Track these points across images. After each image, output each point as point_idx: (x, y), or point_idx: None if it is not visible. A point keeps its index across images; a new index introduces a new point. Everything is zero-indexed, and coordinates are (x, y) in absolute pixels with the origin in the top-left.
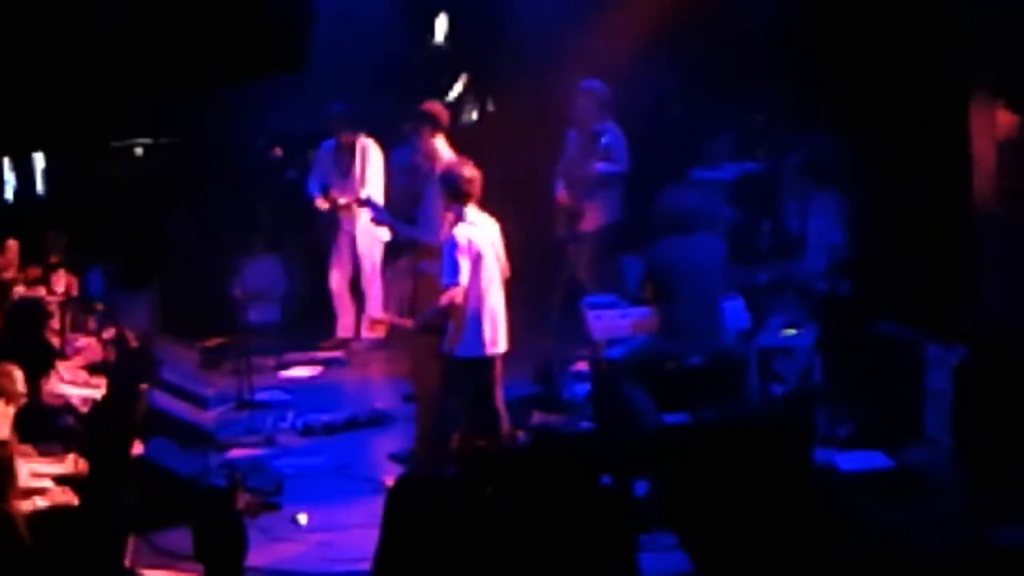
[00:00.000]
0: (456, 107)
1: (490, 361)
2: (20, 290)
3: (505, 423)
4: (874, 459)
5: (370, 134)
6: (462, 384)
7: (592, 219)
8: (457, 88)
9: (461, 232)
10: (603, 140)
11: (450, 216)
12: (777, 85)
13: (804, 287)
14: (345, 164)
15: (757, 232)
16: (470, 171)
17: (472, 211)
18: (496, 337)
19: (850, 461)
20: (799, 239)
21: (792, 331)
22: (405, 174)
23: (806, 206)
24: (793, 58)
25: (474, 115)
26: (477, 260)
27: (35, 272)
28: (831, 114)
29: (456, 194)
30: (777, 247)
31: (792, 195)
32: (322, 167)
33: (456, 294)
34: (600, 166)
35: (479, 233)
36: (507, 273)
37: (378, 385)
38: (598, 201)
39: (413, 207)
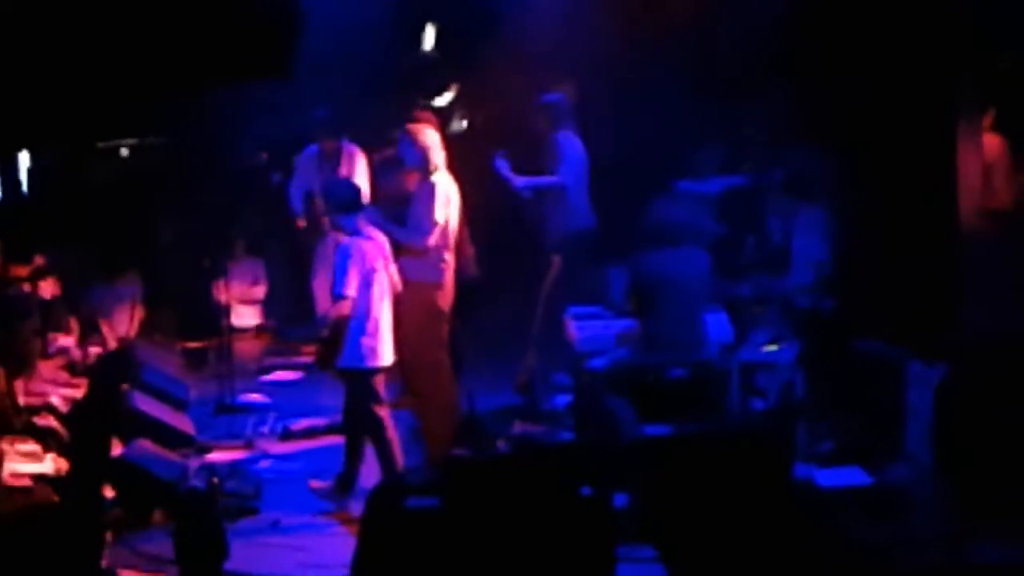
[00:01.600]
0: (445, 115)
1: (374, 372)
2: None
3: (391, 431)
4: (854, 475)
5: (354, 140)
6: (356, 394)
7: (546, 231)
8: (446, 96)
9: (353, 244)
10: (496, 160)
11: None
12: (764, 98)
13: (787, 302)
14: (329, 170)
15: (741, 246)
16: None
17: (363, 223)
18: (380, 349)
19: (830, 477)
20: (783, 254)
21: (774, 346)
22: (391, 179)
23: (790, 221)
24: (781, 72)
25: (463, 124)
26: (369, 273)
27: (19, 271)
28: (817, 129)
29: (346, 205)
30: (761, 261)
31: (776, 210)
32: (305, 172)
33: (345, 306)
34: (518, 181)
35: (371, 246)
36: (397, 287)
37: None
38: (547, 213)
39: (397, 212)
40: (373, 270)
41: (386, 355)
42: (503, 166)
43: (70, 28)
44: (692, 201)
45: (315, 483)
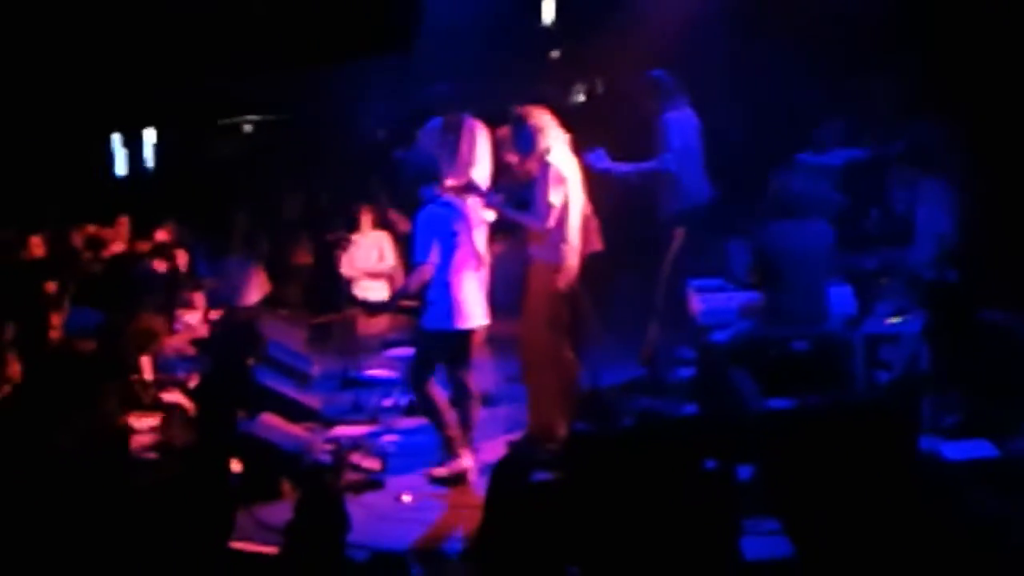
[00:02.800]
0: (564, 88)
1: (459, 334)
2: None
3: (473, 399)
4: (980, 448)
5: (476, 113)
6: (431, 356)
7: (658, 209)
8: (565, 69)
9: (430, 211)
10: (589, 156)
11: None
12: (886, 70)
13: (912, 274)
14: (450, 144)
15: (865, 218)
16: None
17: (446, 190)
18: (463, 311)
19: (956, 450)
20: (907, 226)
21: (899, 318)
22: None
23: (914, 193)
24: (905, 43)
25: (581, 96)
26: (449, 238)
27: (144, 247)
28: (941, 100)
29: (426, 176)
30: (885, 234)
31: (900, 182)
32: (427, 146)
33: (425, 273)
34: (619, 168)
35: (450, 212)
36: (482, 255)
37: (483, 365)
38: (657, 192)
39: (519, 188)
40: (453, 234)
41: (468, 318)
42: (598, 158)
43: (191, 7)
44: (814, 173)
45: (435, 470)
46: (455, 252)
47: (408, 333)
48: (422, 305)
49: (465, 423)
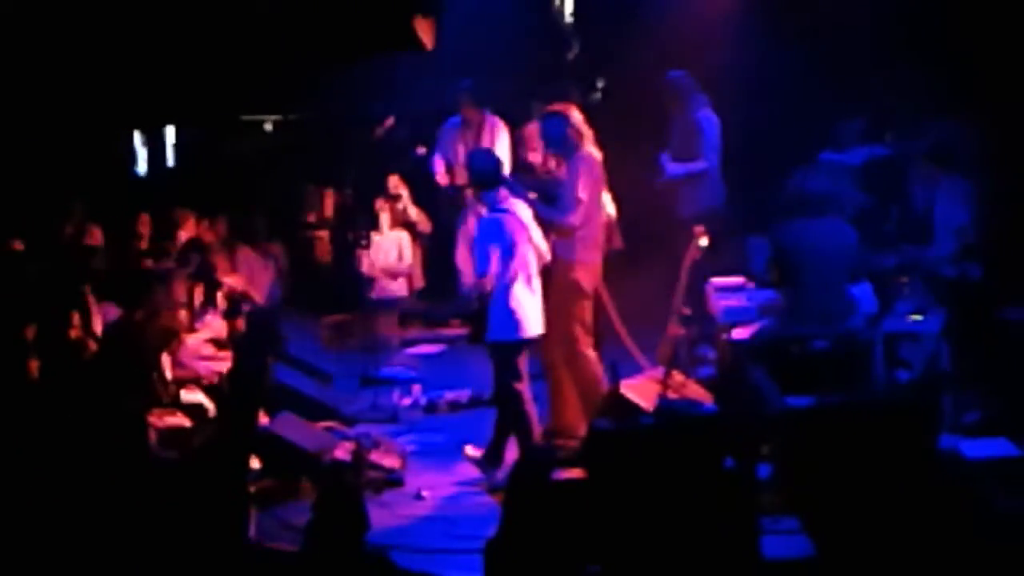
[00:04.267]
0: (583, 88)
1: (519, 344)
2: (149, 263)
3: (529, 404)
4: (1000, 447)
5: (496, 111)
6: (502, 366)
7: (678, 207)
8: (584, 69)
9: (492, 220)
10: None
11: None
12: (907, 68)
13: (932, 272)
14: (471, 141)
15: (885, 216)
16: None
17: (506, 196)
18: (524, 321)
19: (976, 448)
20: (927, 224)
21: (919, 316)
22: (532, 153)
23: (934, 191)
24: (924, 41)
25: (600, 95)
26: (510, 247)
27: (165, 245)
28: (961, 98)
29: (489, 180)
30: (905, 232)
31: (920, 180)
32: (446, 144)
33: (486, 284)
34: (672, 167)
35: (511, 219)
36: (545, 258)
37: None
38: (680, 191)
39: (538, 187)
40: (514, 243)
41: (531, 327)
42: (666, 160)
43: (212, 4)
44: (835, 172)
45: (470, 449)
46: (514, 261)
47: (426, 331)
48: (485, 317)
49: (509, 427)
